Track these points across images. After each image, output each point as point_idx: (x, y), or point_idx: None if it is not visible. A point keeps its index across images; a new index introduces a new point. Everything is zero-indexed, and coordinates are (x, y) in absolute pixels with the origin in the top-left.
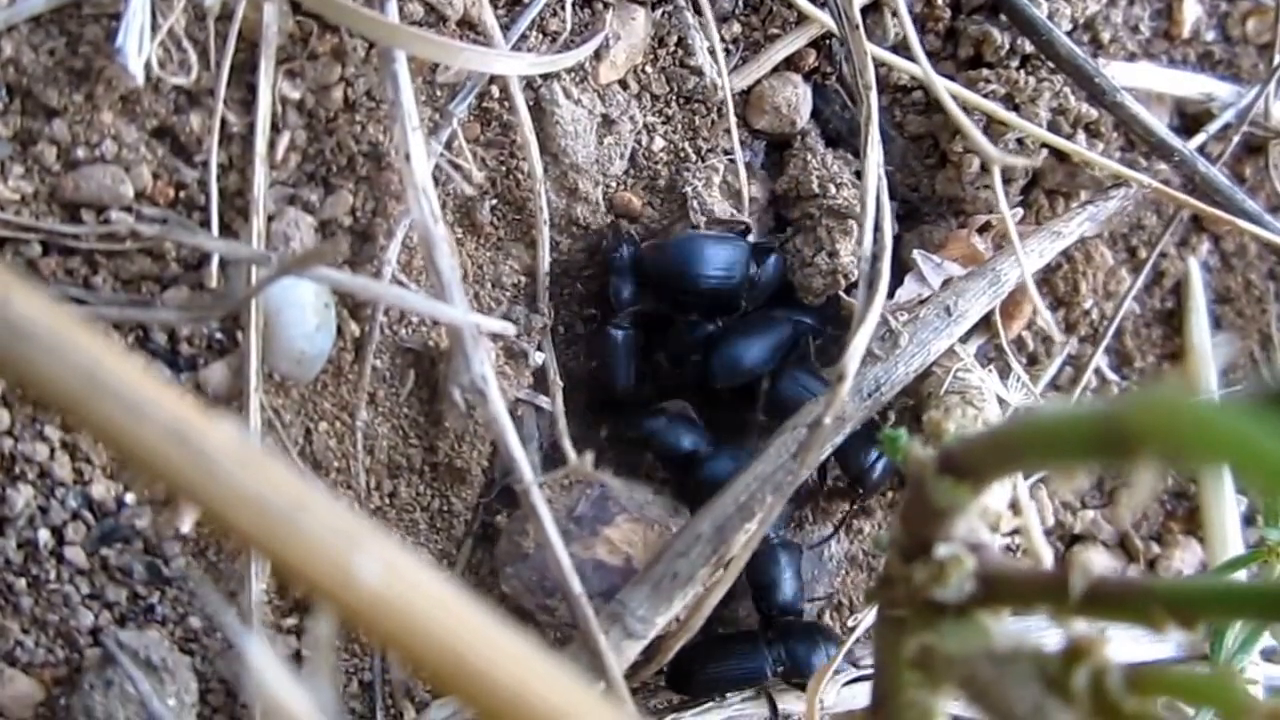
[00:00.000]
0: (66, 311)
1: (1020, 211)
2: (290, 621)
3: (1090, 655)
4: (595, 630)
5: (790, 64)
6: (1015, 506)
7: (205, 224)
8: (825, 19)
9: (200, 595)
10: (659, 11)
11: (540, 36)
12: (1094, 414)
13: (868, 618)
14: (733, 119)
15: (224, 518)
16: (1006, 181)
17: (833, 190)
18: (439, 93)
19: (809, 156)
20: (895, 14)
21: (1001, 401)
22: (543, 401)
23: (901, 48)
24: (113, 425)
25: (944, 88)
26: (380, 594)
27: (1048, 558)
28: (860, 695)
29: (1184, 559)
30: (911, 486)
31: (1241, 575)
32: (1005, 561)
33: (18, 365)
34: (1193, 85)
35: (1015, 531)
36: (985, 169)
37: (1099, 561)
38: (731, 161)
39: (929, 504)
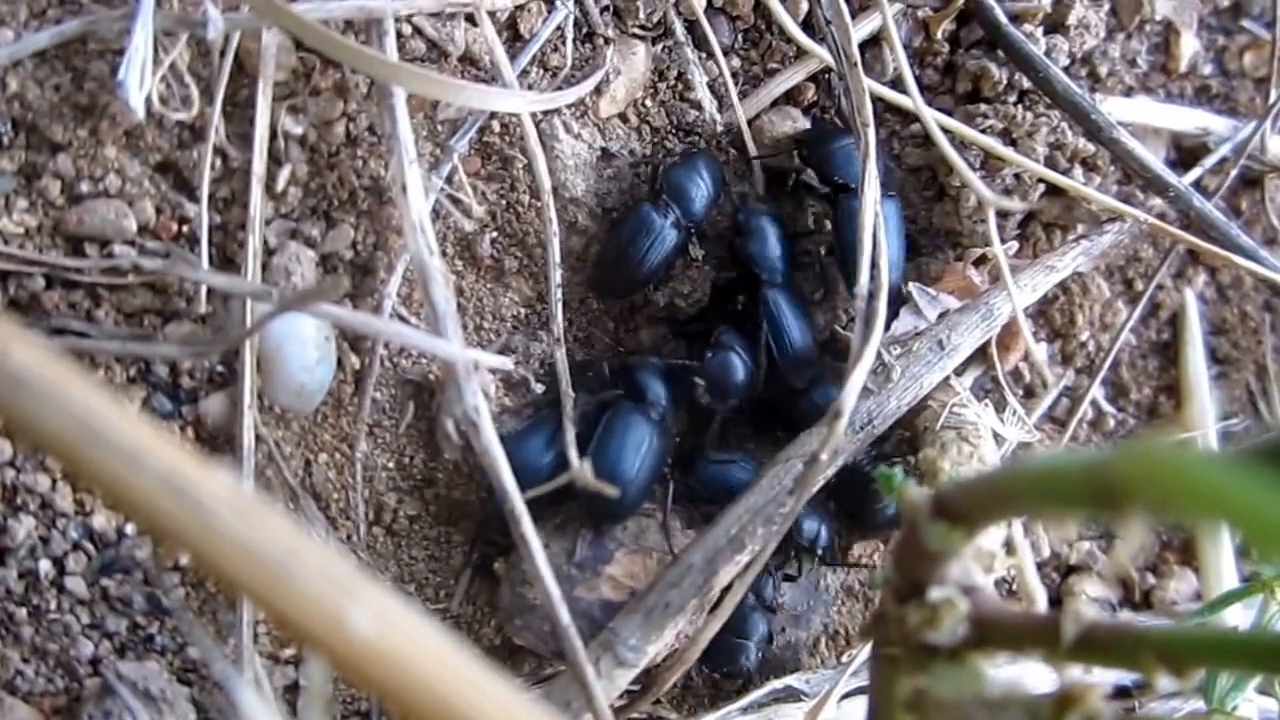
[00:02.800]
0: (64, 362)
1: (1016, 245)
2: (288, 652)
3: (1082, 702)
4: (583, 662)
5: (789, 98)
6: (1009, 546)
7: (209, 258)
8: (824, 54)
9: (193, 637)
10: (659, 46)
11: (541, 71)
12: (1084, 465)
13: (863, 651)
14: (751, 147)
15: (218, 567)
16: (1004, 215)
17: (828, 227)
18: (440, 128)
19: (803, 194)
20: (893, 49)
21: (998, 437)
22: None
23: (900, 82)
24: (109, 474)
25: (941, 126)
26: (373, 643)
27: (1041, 599)
28: (856, 710)
29: (1179, 590)
30: (905, 529)
31: (1238, 607)
32: (998, 605)
33: (16, 415)
34: (1189, 120)
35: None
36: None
37: (1094, 592)
38: (730, 193)
39: (922, 547)
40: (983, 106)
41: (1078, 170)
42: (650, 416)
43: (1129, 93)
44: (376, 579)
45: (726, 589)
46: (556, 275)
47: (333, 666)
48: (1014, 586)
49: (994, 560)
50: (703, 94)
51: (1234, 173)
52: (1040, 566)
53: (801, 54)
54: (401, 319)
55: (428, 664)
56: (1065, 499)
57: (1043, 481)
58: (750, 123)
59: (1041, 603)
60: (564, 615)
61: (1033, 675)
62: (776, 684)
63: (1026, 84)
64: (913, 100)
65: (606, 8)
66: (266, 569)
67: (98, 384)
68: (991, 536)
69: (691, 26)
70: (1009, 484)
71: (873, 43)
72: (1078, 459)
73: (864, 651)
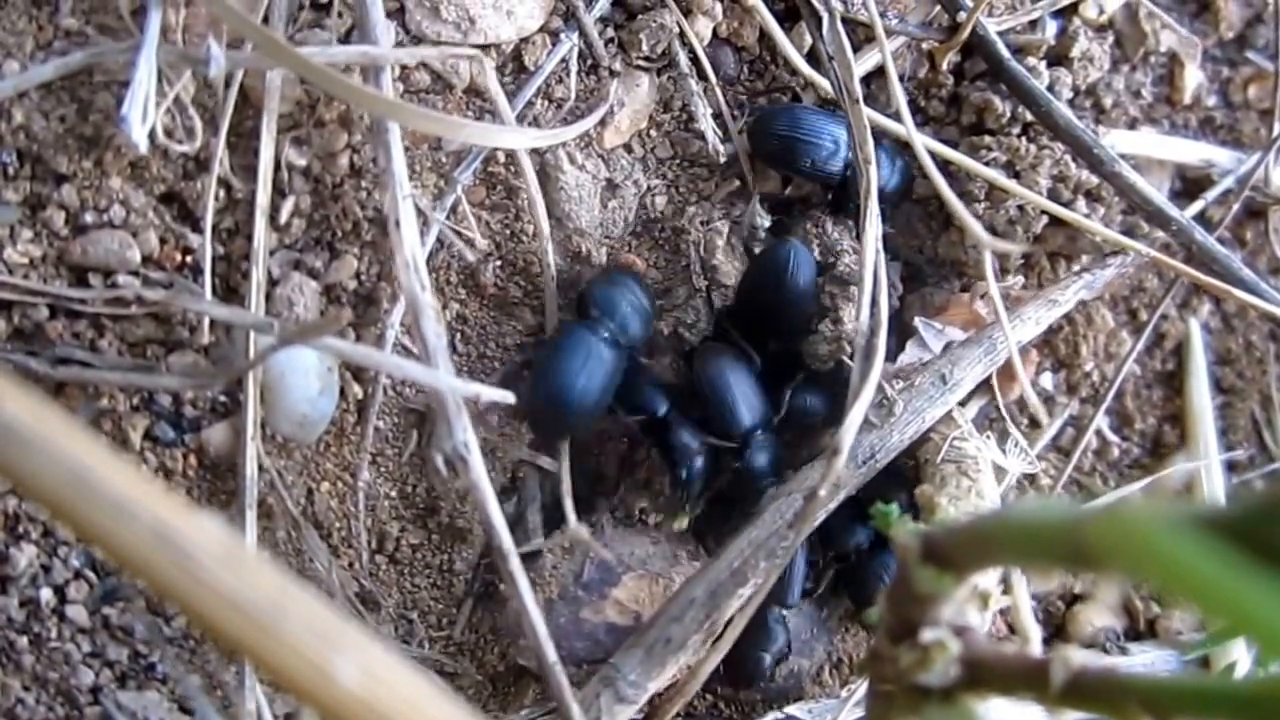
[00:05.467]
0: (54, 412)
1: (1021, 279)
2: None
3: None
4: (569, 700)
5: None
6: (1006, 583)
7: (212, 289)
8: (827, 86)
9: (178, 673)
10: (663, 77)
11: (546, 103)
12: (1059, 523)
13: (863, 685)
14: (750, 178)
15: (205, 618)
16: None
17: (833, 258)
18: (444, 159)
19: (809, 223)
20: (893, 87)
21: (999, 470)
22: (544, 462)
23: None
24: (98, 525)
25: (945, 158)
26: (358, 696)
27: (1036, 638)
28: None
29: (1183, 620)
30: (897, 571)
31: (1240, 639)
32: (990, 648)
33: (6, 465)
34: (1193, 152)
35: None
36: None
37: (1099, 621)
38: (735, 223)
39: (914, 589)
40: (986, 138)
41: (1081, 202)
42: (599, 334)
43: (1133, 124)
44: (364, 631)
45: (729, 622)
46: (554, 306)
47: (321, 717)
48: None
49: (990, 598)
50: (706, 125)
51: (1238, 205)
52: (1045, 596)
53: (806, 85)
54: (405, 349)
55: (412, 716)
56: (1042, 554)
57: (1022, 534)
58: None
59: (1036, 642)
60: (550, 653)
61: (1027, 715)
62: (779, 713)
63: (1030, 116)
64: (910, 136)
65: (611, 39)
66: (253, 621)
67: (88, 433)
68: (988, 573)
69: (695, 57)
70: (992, 533)
71: (877, 73)
72: (1056, 514)
73: (866, 682)
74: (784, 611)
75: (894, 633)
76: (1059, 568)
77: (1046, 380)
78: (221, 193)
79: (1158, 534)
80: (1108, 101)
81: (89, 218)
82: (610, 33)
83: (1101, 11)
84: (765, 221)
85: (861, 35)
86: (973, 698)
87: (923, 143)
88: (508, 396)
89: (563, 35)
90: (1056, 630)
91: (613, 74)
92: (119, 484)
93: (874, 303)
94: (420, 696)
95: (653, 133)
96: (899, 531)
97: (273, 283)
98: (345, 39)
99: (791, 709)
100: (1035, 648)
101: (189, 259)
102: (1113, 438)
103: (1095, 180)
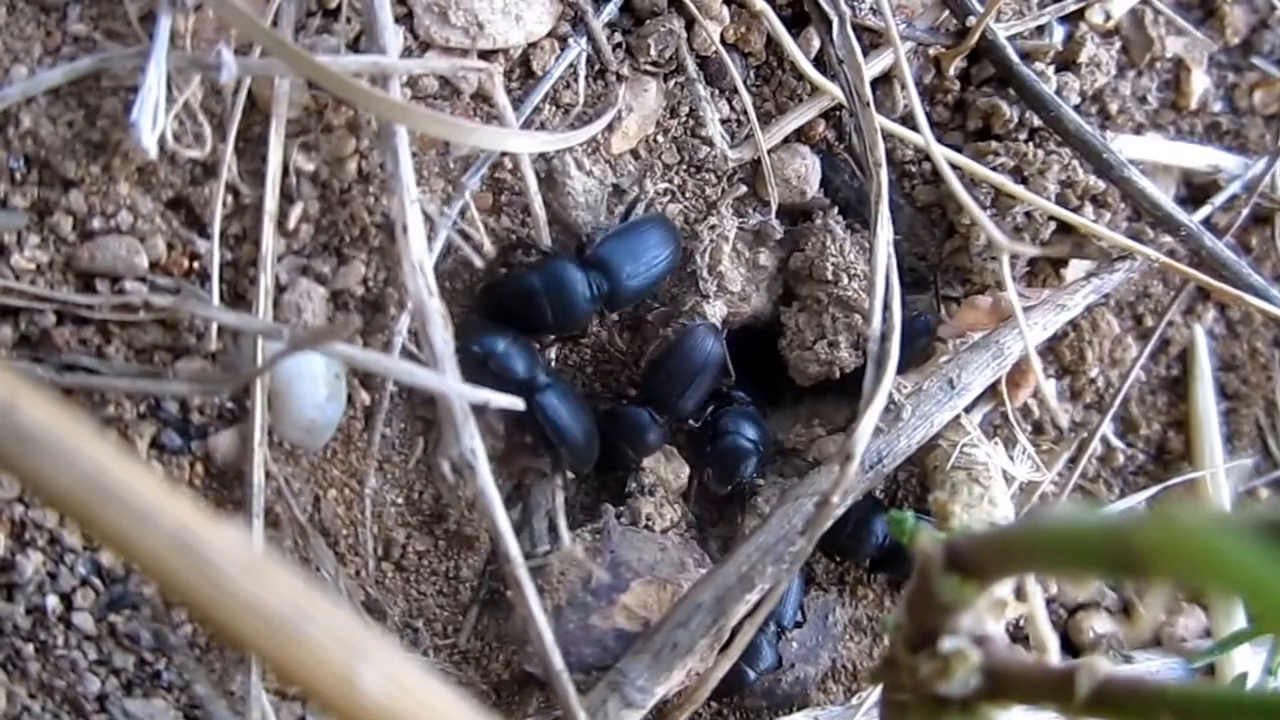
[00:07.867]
0: (73, 417)
1: (1026, 281)
2: (296, 688)
3: None
4: (576, 707)
5: (800, 135)
6: (1020, 591)
7: (220, 295)
8: (836, 91)
9: (196, 677)
10: (671, 83)
11: (554, 108)
12: (1105, 530)
13: (873, 693)
14: (771, 182)
15: (228, 626)
16: (1014, 254)
17: (845, 280)
18: (452, 165)
19: (828, 240)
20: (904, 87)
21: (1008, 477)
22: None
23: (910, 118)
24: (118, 531)
25: (951, 163)
26: (383, 705)
27: (1054, 648)
28: None
29: (1187, 626)
30: (918, 578)
31: (1246, 647)
32: (1011, 657)
33: (24, 470)
34: (1200, 157)
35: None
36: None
37: (1102, 628)
38: (741, 229)
39: (935, 597)
40: (993, 144)
41: (1088, 207)
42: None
43: (1139, 130)
44: (387, 640)
45: (737, 627)
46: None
47: None
48: (1021, 623)
49: (1005, 607)
50: (714, 130)
51: (1245, 210)
52: (1047, 603)
53: (814, 91)
54: (412, 355)
55: None
56: (1083, 561)
57: (1060, 542)
58: (760, 160)
59: (1054, 652)
60: (557, 660)
61: None
62: None
63: (1037, 121)
64: (925, 140)
65: (619, 45)
66: (276, 629)
67: (107, 439)
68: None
69: (703, 63)
70: (1025, 541)
71: (884, 78)
72: (1098, 522)
73: (875, 690)
74: (778, 631)
75: (913, 641)
76: (1099, 575)
77: (1050, 387)
78: (229, 198)
79: (1213, 538)
80: (1114, 107)
81: (96, 223)
82: (618, 38)
83: (1108, 17)
84: (778, 233)
85: (867, 41)
86: (992, 708)
87: (934, 145)
88: (516, 403)
89: (571, 40)
90: (1059, 639)
91: (620, 79)
92: (140, 490)
93: (886, 308)
94: (444, 704)
95: (660, 138)
96: (921, 539)
97: (280, 289)
98: (354, 44)
99: (798, 716)
100: (1053, 657)
101: (196, 265)
102: (1118, 444)
103: (1102, 186)
